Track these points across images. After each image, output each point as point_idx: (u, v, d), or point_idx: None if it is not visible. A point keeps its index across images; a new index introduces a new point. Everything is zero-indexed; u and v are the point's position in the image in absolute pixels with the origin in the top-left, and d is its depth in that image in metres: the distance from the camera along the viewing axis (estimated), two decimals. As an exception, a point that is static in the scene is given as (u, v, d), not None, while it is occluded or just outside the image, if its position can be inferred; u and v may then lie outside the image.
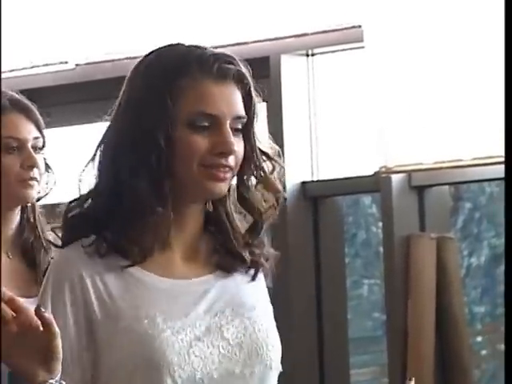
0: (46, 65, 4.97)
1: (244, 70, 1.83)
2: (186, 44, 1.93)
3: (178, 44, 1.91)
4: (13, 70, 5.06)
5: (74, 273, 1.84)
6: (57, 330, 1.57)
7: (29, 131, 2.69)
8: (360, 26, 4.23)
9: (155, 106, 1.79)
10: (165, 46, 1.90)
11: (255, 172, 2.00)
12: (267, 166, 1.95)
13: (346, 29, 4.25)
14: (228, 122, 1.77)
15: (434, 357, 4.08)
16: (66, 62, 4.88)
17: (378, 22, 4.29)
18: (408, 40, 4.33)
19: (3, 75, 4.52)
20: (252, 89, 1.85)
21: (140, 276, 1.89)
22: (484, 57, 4.39)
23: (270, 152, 1.93)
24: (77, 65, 4.81)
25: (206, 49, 1.90)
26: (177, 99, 1.77)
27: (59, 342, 1.59)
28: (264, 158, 1.91)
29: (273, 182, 1.95)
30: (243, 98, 1.82)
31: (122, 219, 1.89)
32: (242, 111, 1.81)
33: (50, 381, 1.61)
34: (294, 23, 4.54)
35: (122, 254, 1.89)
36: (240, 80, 1.82)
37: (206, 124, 1.75)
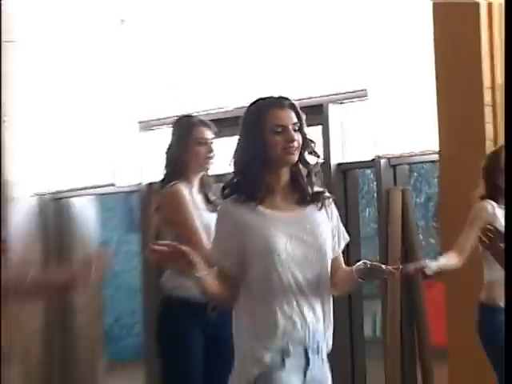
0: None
1: (293, 101, 3.52)
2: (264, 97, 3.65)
3: (259, 98, 3.59)
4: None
5: (231, 210, 3.49)
6: (193, 259, 3.21)
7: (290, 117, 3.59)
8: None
9: (257, 124, 3.43)
10: (256, 99, 3.61)
11: (308, 149, 3.66)
12: (312, 146, 3.61)
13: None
14: (290, 127, 3.37)
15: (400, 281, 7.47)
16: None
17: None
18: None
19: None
20: (298, 110, 3.51)
21: (262, 210, 3.45)
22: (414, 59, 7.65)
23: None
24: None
25: (274, 97, 3.58)
26: (265, 119, 3.39)
27: (194, 259, 3.24)
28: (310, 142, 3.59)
29: (316, 152, 3.65)
30: (296, 114, 3.47)
31: (250, 183, 3.48)
32: (295, 120, 3.43)
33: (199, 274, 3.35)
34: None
35: (253, 200, 3.46)
36: (291, 106, 3.49)
37: (280, 130, 3.35)
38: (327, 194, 3.74)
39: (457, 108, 7.67)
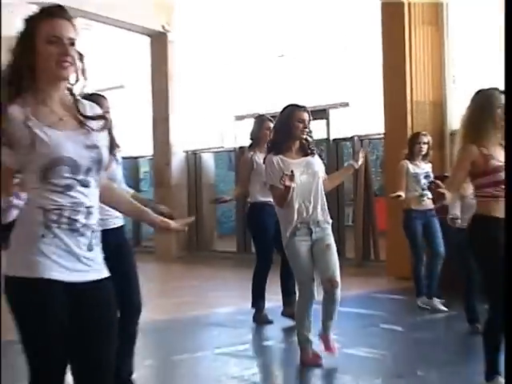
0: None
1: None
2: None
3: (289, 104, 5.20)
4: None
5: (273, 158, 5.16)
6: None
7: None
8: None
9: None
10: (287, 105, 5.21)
11: None
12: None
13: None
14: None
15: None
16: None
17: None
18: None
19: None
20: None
21: (283, 158, 5.19)
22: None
23: None
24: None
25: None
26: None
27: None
28: None
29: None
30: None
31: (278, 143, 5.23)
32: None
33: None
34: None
35: (278, 153, 5.17)
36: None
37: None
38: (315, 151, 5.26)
39: (391, 107, 9.60)
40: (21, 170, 2.51)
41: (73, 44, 2.49)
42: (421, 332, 6.44)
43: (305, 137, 5.20)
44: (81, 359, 2.54)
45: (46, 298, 2.44)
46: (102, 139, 2.59)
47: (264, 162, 5.44)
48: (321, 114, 11.68)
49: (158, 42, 13.58)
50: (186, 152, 13.68)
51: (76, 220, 2.49)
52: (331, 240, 5.17)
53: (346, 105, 11.44)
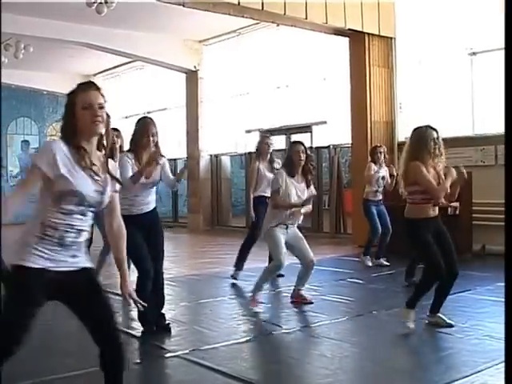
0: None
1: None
2: None
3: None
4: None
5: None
6: None
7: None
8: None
9: None
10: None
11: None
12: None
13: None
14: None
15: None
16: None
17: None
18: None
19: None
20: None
21: (291, 179, 5.15)
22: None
23: None
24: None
25: None
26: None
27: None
28: None
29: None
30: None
31: (287, 166, 5.14)
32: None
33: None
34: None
35: (290, 174, 5.09)
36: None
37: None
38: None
39: (356, 124, 9.71)
40: (44, 184, 2.36)
41: (102, 108, 2.40)
42: (375, 283, 6.45)
43: (302, 163, 5.15)
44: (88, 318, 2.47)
45: (29, 280, 2.33)
46: (108, 189, 2.50)
47: (274, 173, 5.62)
48: (306, 129, 11.77)
49: (191, 77, 13.66)
50: (210, 155, 13.74)
51: (66, 237, 2.38)
52: (299, 232, 5.26)
53: (325, 122, 11.41)
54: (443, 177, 4.25)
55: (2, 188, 15.66)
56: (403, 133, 9.36)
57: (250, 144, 11.21)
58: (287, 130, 12.31)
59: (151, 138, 4.14)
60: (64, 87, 16.59)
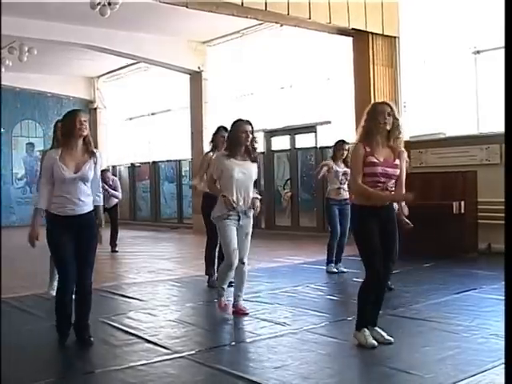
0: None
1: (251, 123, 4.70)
2: None
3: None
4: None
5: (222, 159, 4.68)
6: None
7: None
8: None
9: None
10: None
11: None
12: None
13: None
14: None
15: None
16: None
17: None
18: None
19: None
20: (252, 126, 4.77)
21: (230, 159, 4.75)
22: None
23: None
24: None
25: None
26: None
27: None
28: None
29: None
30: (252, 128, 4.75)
31: (228, 147, 4.79)
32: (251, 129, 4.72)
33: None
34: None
35: (230, 156, 4.68)
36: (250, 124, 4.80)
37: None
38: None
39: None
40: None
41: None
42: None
43: (248, 144, 4.84)
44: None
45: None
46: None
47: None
48: (310, 129, 11.82)
49: (195, 78, 13.75)
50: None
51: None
52: (250, 228, 4.87)
53: (329, 122, 11.43)
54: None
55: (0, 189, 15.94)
56: (408, 132, 9.30)
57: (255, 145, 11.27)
58: (291, 131, 12.37)
59: (78, 126, 4.02)
60: (68, 89, 17.16)
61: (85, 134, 4.00)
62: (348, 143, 7.30)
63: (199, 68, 13.50)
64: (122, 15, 9.77)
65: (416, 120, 9.41)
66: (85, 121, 4.02)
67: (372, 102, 9.07)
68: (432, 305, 4.46)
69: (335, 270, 7.27)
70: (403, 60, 9.98)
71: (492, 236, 8.07)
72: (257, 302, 5.44)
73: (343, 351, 3.91)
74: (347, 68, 10.32)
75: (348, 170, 7.01)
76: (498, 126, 8.29)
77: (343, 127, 10.65)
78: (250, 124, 4.89)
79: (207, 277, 6.48)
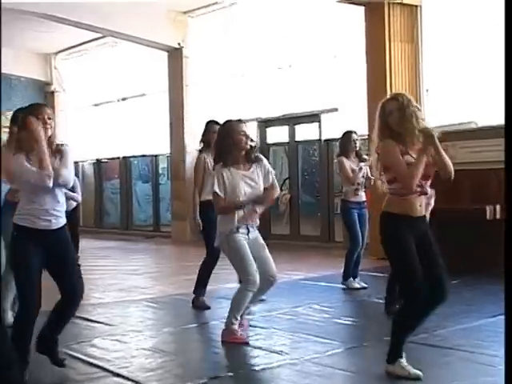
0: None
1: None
2: None
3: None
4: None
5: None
6: None
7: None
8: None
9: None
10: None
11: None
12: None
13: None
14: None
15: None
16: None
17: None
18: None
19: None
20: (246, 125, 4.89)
21: (231, 170, 4.83)
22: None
23: None
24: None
25: None
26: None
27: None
28: None
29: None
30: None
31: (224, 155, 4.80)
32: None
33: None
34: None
35: (226, 165, 4.75)
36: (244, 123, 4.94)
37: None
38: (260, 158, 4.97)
39: (374, 113, 8.99)
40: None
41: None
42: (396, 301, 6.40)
43: (248, 147, 4.88)
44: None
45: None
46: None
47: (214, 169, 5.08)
48: (313, 118, 11.86)
49: (175, 56, 13.75)
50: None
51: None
52: (262, 239, 5.00)
53: (335, 110, 11.43)
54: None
55: None
56: (431, 122, 9.36)
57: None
58: (290, 120, 12.37)
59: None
60: (19, 68, 16.90)
61: (49, 134, 4.01)
62: (357, 134, 7.38)
63: (179, 44, 13.51)
64: (86, -21, 9.83)
65: (441, 107, 9.45)
66: (49, 118, 4.05)
67: (388, 85, 9.48)
68: (461, 330, 4.45)
69: (357, 285, 7.27)
70: (426, 34, 9.95)
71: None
72: (249, 326, 5.39)
73: (354, 386, 3.86)
74: (358, 44, 10.31)
75: (363, 165, 7.08)
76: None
77: (353, 116, 10.61)
78: (244, 123, 4.94)
79: (193, 296, 6.46)
